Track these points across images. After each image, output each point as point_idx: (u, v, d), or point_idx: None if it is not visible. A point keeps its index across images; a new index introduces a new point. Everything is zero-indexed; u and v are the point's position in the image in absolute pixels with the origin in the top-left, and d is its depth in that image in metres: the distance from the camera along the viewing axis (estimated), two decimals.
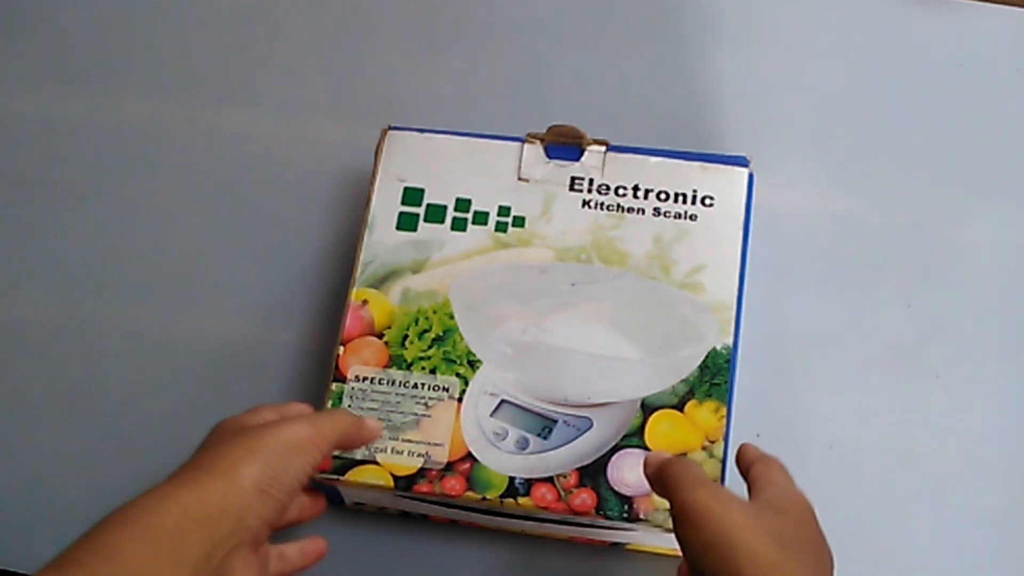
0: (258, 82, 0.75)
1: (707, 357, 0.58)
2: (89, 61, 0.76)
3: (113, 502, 0.66)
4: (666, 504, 0.51)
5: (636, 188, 0.63)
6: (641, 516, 0.56)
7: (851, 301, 0.67)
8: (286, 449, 0.48)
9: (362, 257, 0.62)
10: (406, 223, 0.63)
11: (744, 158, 0.63)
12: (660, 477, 0.50)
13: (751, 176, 0.63)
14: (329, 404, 0.58)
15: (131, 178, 0.73)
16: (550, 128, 0.64)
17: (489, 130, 0.65)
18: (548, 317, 0.60)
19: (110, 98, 0.75)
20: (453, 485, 0.57)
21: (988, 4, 0.73)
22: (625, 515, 0.56)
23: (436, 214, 0.63)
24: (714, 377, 0.58)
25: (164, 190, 0.72)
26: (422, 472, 0.57)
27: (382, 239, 0.62)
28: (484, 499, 0.56)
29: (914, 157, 0.71)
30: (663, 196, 0.63)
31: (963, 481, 0.63)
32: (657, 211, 0.62)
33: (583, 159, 0.64)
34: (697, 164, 0.63)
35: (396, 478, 0.57)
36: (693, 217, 0.62)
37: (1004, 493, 0.64)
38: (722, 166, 0.63)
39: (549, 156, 0.64)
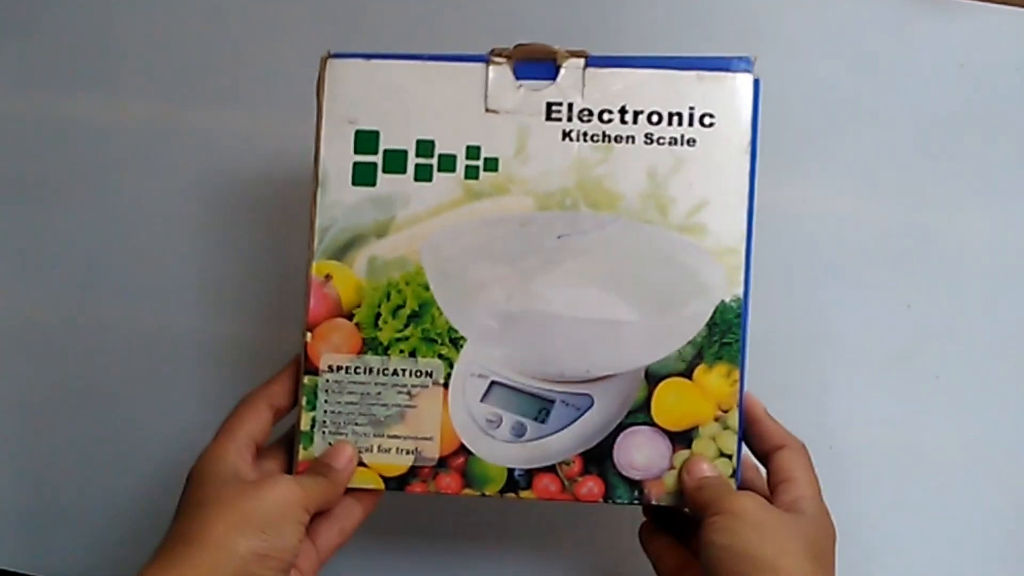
0: (257, 82, 0.71)
1: (715, 313, 0.52)
2: (89, 61, 0.73)
3: (112, 501, 0.67)
4: (675, 483, 0.52)
5: (623, 111, 0.54)
6: (653, 501, 0.52)
7: (851, 301, 0.67)
8: (279, 515, 0.48)
9: (318, 222, 0.54)
10: (363, 176, 0.55)
11: (747, 59, 0.54)
12: (700, 486, 0.51)
13: (756, 83, 0.54)
14: (304, 401, 0.53)
15: (130, 178, 0.71)
16: (517, 47, 0.54)
17: (445, 48, 0.56)
18: (534, 279, 0.53)
19: (110, 98, 0.72)
20: (448, 483, 0.53)
21: (988, 4, 0.69)
22: (636, 501, 0.52)
23: (396, 162, 0.54)
24: (724, 336, 0.52)
25: (163, 190, 0.71)
26: (413, 471, 0.53)
27: (338, 198, 0.54)
28: (483, 495, 0.52)
29: (914, 157, 0.68)
30: (655, 118, 0.54)
31: (963, 481, 0.64)
32: (649, 138, 0.54)
33: (559, 79, 0.54)
34: (692, 74, 0.54)
35: (386, 479, 0.53)
36: (691, 142, 0.53)
37: (1005, 493, 0.64)
38: (721, 73, 0.54)
39: (518, 77, 0.54)
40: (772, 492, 0.50)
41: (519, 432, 0.52)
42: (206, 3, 0.73)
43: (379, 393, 0.53)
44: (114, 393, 0.68)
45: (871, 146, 0.68)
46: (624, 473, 0.52)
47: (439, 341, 0.53)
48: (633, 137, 0.54)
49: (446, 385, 0.53)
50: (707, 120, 0.53)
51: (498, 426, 0.53)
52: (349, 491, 0.53)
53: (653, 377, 0.52)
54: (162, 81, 0.72)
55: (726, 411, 0.52)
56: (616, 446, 0.52)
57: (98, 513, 0.66)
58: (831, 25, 0.70)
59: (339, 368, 0.54)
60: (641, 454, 0.52)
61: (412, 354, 0.53)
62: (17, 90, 0.73)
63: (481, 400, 0.53)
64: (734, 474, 0.52)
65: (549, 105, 0.54)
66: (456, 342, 0.53)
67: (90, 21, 0.73)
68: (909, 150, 0.68)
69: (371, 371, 0.53)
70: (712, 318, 0.52)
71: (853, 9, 0.70)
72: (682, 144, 0.53)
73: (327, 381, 0.53)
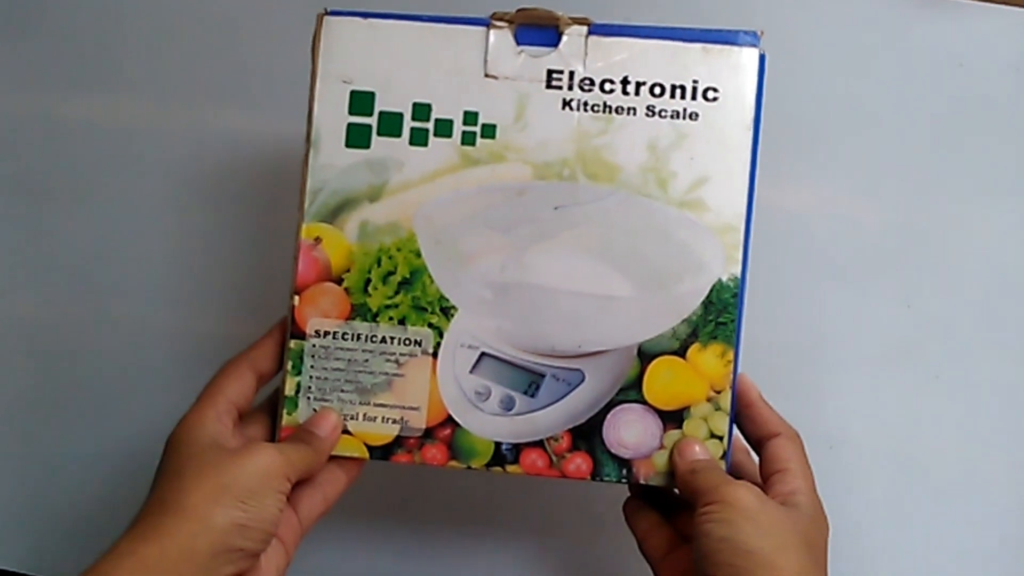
0: (257, 82, 0.71)
1: (711, 291, 0.51)
2: (89, 61, 0.72)
3: (112, 501, 0.68)
4: (665, 463, 0.51)
5: (625, 82, 0.53)
6: (642, 480, 0.51)
7: (851, 301, 0.66)
8: (259, 484, 0.47)
9: (309, 184, 0.53)
10: (357, 138, 0.53)
11: (754, 33, 0.53)
12: (693, 470, 0.50)
13: (762, 58, 0.53)
14: (289, 366, 0.52)
15: (131, 178, 0.70)
16: (519, 11, 0.53)
17: (445, 10, 0.54)
18: (529, 250, 0.52)
19: (110, 98, 0.72)
20: (434, 454, 0.52)
21: (988, 4, 0.69)
22: (624, 479, 0.51)
23: (391, 125, 0.53)
24: (720, 315, 0.51)
25: (164, 190, 0.70)
26: (399, 441, 0.52)
27: (331, 160, 0.53)
28: (469, 468, 0.52)
29: (914, 157, 0.67)
30: (657, 91, 0.52)
31: (963, 481, 0.65)
32: (651, 110, 0.52)
33: (561, 45, 0.53)
34: (697, 46, 0.53)
35: (371, 448, 0.52)
36: (694, 116, 0.52)
37: (1004, 493, 0.65)
38: (727, 47, 0.53)
39: (519, 42, 0.53)
40: (765, 481, 0.49)
41: (508, 405, 0.52)
42: (207, 3, 0.72)
43: (366, 360, 0.52)
44: (115, 392, 0.68)
45: (871, 146, 0.67)
46: (613, 451, 0.51)
47: (429, 310, 0.52)
48: (634, 109, 0.52)
49: (435, 355, 0.52)
50: (711, 94, 0.52)
51: (487, 399, 0.52)
52: (333, 459, 0.52)
53: (646, 355, 0.51)
54: (161, 81, 0.71)
55: (719, 392, 0.51)
56: (606, 423, 0.51)
57: (96, 513, 0.66)
58: (830, 25, 0.69)
59: (326, 333, 0.52)
60: (631, 432, 0.51)
61: (401, 322, 0.52)
62: (17, 90, 0.72)
63: (470, 371, 0.52)
64: (724, 456, 0.51)
65: (550, 72, 0.53)
66: (447, 311, 0.52)
67: (89, 21, 0.72)
68: (909, 150, 0.67)
69: (359, 338, 0.52)
70: (708, 296, 0.51)
71: (853, 9, 0.69)
72: (684, 118, 0.52)
73: (314, 346, 0.52)
